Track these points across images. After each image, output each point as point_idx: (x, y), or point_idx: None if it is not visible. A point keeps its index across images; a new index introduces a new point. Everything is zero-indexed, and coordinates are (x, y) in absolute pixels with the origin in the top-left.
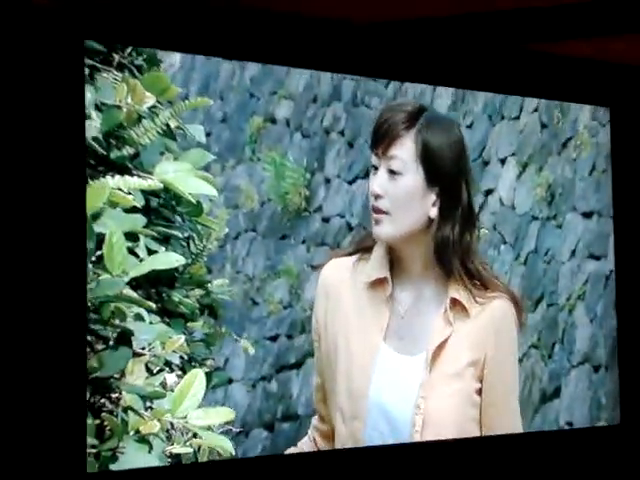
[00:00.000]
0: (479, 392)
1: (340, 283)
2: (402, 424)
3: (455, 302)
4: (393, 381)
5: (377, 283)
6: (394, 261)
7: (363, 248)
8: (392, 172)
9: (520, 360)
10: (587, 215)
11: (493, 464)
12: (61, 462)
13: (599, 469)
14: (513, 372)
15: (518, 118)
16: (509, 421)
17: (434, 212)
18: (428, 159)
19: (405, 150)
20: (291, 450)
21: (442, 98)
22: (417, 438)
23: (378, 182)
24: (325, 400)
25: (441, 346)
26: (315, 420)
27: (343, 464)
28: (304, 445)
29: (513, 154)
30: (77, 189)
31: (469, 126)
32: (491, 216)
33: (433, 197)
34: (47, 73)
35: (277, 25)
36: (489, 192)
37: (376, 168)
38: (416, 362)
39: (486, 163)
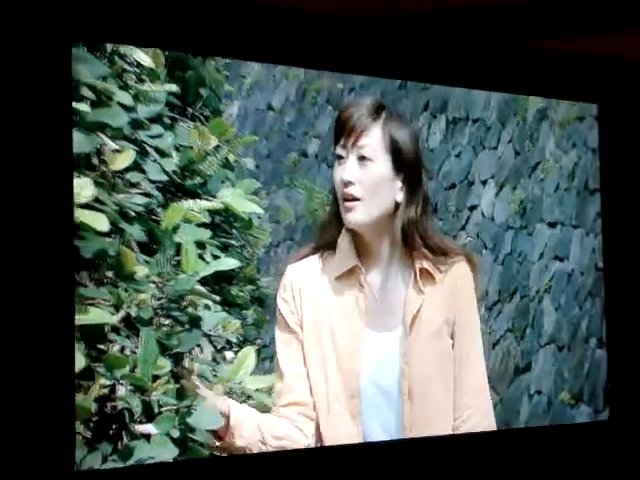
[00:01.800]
0: (452, 347)
1: (311, 282)
2: (392, 393)
3: (422, 271)
4: (379, 357)
5: (348, 273)
6: (360, 248)
7: (324, 245)
8: (363, 159)
9: (497, 341)
10: (552, 225)
11: (482, 459)
12: (51, 461)
13: (588, 464)
14: (476, 324)
15: (496, 148)
16: (476, 368)
17: (400, 196)
18: (394, 148)
19: (374, 139)
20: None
21: (435, 135)
22: (407, 403)
23: (348, 170)
24: (310, 388)
25: (417, 314)
26: (296, 410)
27: (339, 461)
28: (289, 433)
29: (492, 176)
30: (65, 188)
31: (457, 155)
32: (475, 226)
33: (399, 183)
34: (35, 70)
35: (275, 21)
36: (473, 207)
37: (341, 158)
38: (396, 335)
39: (471, 184)
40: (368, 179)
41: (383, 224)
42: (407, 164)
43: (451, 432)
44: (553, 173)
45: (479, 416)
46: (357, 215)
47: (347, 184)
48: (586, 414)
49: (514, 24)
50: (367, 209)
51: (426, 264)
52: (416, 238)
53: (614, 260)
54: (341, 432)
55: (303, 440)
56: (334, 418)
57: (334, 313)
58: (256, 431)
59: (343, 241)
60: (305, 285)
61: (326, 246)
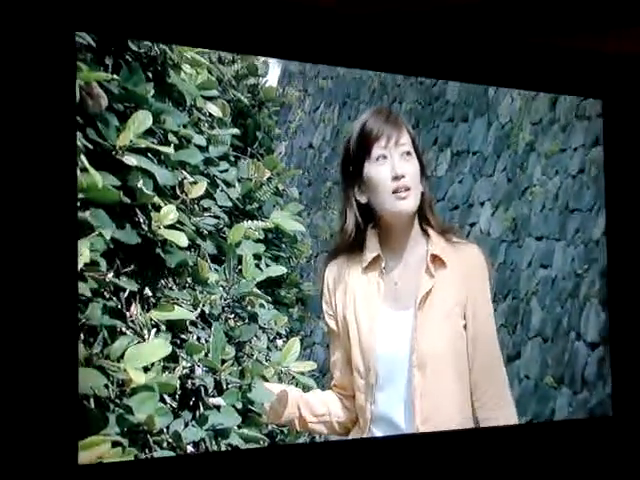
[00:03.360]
0: (465, 327)
1: (342, 275)
2: (404, 364)
3: (434, 257)
4: (393, 333)
5: (372, 262)
6: (383, 242)
7: (353, 245)
8: (407, 154)
9: None
10: (539, 239)
11: (485, 455)
12: (53, 455)
13: (591, 460)
14: (487, 307)
15: (492, 175)
16: (489, 347)
17: (423, 185)
18: (414, 143)
19: (407, 137)
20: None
21: (442, 165)
22: (417, 373)
23: (398, 165)
24: (346, 371)
25: (426, 295)
26: (337, 392)
27: (349, 454)
28: (333, 411)
29: (489, 199)
30: (69, 190)
31: (460, 182)
32: (474, 240)
33: (421, 173)
34: (38, 63)
35: (274, 15)
36: (473, 224)
37: (385, 157)
38: (410, 313)
39: (471, 205)
40: (412, 171)
41: (412, 214)
42: (422, 159)
43: (464, 402)
44: (539, 196)
45: (494, 389)
46: (410, 202)
47: (400, 177)
48: (566, 395)
49: (518, 21)
50: (415, 197)
51: (437, 251)
52: (432, 221)
53: (616, 264)
54: (360, 402)
55: (343, 416)
56: (357, 390)
57: (359, 299)
58: (295, 410)
59: (369, 238)
60: (338, 279)
61: (355, 246)
